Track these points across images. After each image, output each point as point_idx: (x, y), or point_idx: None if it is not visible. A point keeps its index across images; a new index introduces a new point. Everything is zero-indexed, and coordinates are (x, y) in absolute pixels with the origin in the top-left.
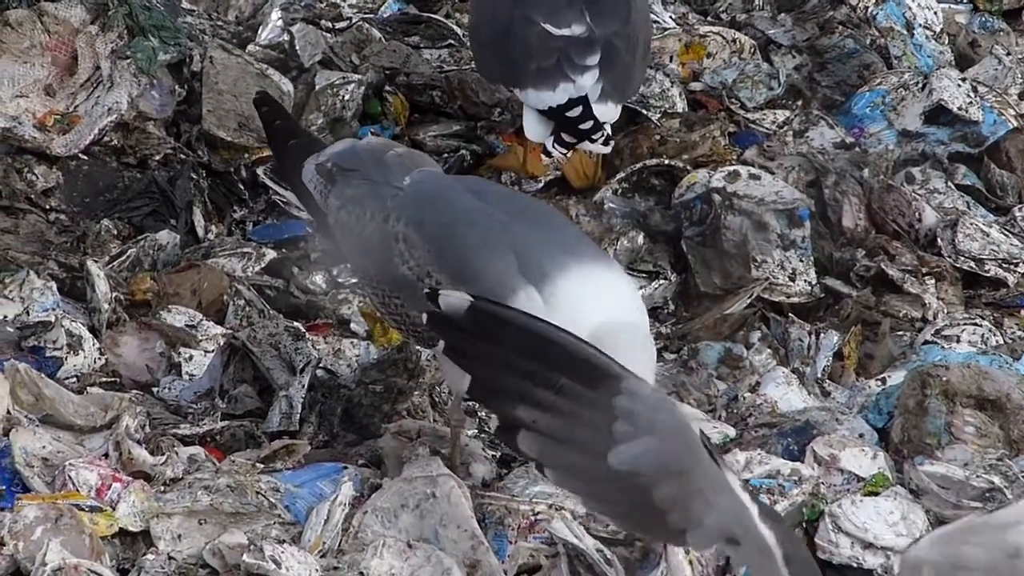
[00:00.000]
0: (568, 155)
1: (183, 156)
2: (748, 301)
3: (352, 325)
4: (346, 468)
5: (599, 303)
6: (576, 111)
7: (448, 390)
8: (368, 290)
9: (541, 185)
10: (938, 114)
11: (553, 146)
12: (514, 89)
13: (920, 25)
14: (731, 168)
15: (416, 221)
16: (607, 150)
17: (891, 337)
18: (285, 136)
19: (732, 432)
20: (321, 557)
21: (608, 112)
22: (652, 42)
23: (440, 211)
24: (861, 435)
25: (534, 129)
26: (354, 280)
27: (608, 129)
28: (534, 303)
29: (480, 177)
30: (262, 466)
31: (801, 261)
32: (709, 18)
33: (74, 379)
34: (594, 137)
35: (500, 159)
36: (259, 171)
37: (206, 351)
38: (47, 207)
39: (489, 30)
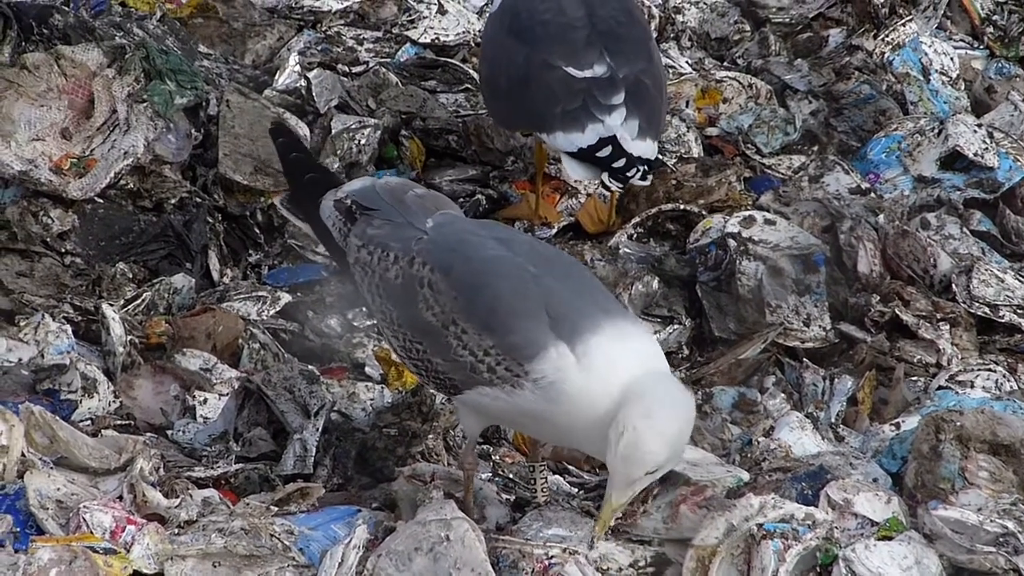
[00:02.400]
0: (612, 190)
1: (199, 200)
2: (763, 346)
3: (367, 369)
4: (360, 511)
5: (631, 359)
6: (606, 151)
7: (462, 434)
8: (388, 333)
9: (555, 231)
10: (954, 160)
11: (610, 180)
12: (540, 135)
13: (936, 71)
14: (746, 213)
15: (443, 267)
16: (647, 183)
17: (905, 382)
18: (302, 169)
19: (746, 476)
20: None
21: (647, 148)
22: (668, 87)
23: (469, 259)
24: (875, 480)
25: (579, 171)
26: (372, 321)
27: (647, 165)
28: (566, 360)
29: (500, 223)
30: (276, 509)
31: (816, 306)
32: (725, 63)
33: (89, 422)
34: (629, 175)
35: (511, 210)
36: (276, 200)
37: (220, 394)
38: (62, 250)
39: (506, 78)
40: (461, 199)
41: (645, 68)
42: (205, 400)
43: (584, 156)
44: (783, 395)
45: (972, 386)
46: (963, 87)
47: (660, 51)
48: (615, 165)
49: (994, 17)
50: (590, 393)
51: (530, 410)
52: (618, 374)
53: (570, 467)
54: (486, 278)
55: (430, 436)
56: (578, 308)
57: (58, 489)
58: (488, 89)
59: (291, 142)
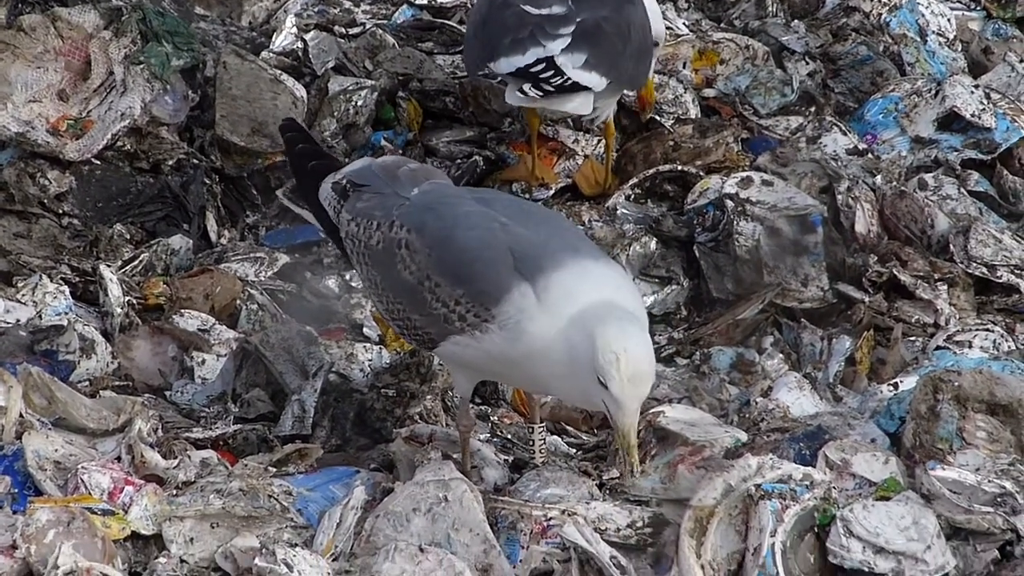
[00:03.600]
0: (539, 97)
1: (196, 161)
2: (760, 306)
3: (365, 329)
4: (358, 472)
5: (591, 290)
6: (540, 67)
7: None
8: (374, 298)
9: (552, 192)
10: (951, 121)
11: (531, 89)
12: (489, 65)
13: (933, 32)
14: (744, 174)
15: (418, 227)
16: (586, 112)
17: (903, 342)
18: (307, 158)
19: (744, 437)
20: (333, 561)
21: (591, 79)
22: (666, 49)
23: (442, 216)
24: (873, 440)
25: (510, 96)
26: (364, 290)
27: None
28: (527, 300)
29: (489, 188)
30: (274, 470)
31: (813, 267)
32: (723, 25)
33: (87, 383)
34: (554, 82)
35: (509, 171)
36: (278, 193)
37: (219, 355)
38: (60, 212)
39: (472, 24)
40: (458, 160)
41: (609, 16)
42: (203, 361)
43: (521, 74)
44: (781, 355)
45: (970, 346)
46: (960, 48)
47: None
48: (552, 80)
49: None
50: (550, 328)
51: (499, 354)
52: (575, 300)
53: (568, 427)
54: (455, 231)
55: (428, 397)
56: (543, 249)
57: (56, 450)
58: (464, 41)
59: (300, 136)
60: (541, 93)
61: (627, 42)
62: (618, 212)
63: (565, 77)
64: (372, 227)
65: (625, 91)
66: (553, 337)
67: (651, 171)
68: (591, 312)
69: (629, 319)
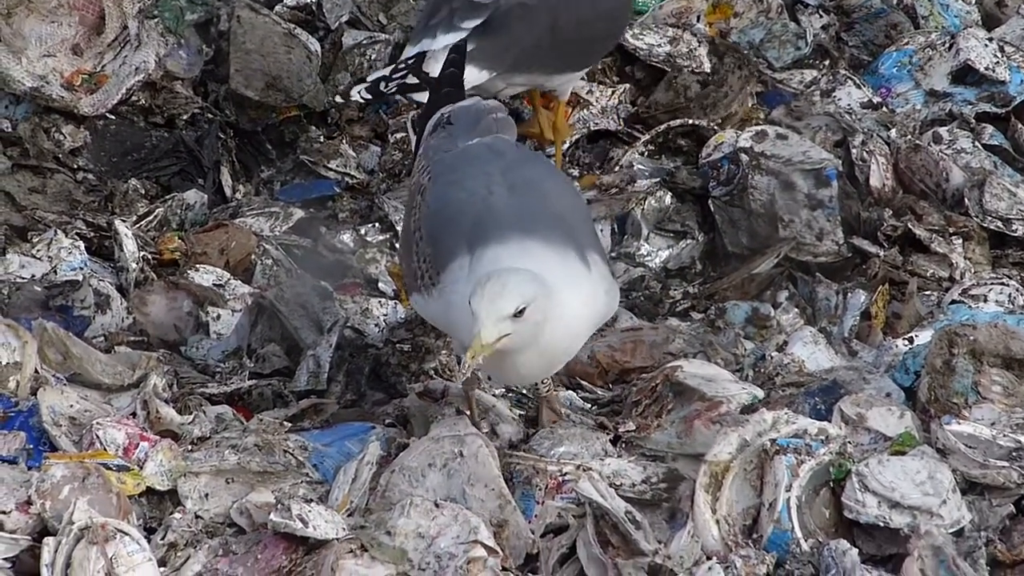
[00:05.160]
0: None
1: (211, 116)
2: (775, 261)
3: (380, 284)
4: (374, 427)
5: (510, 261)
6: (402, 65)
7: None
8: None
9: (567, 145)
10: (965, 74)
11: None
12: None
13: None
14: (758, 128)
15: (433, 179)
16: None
17: (918, 297)
18: (444, 85)
19: (761, 394)
20: (348, 516)
21: (471, 75)
22: (679, 2)
23: (451, 172)
24: (888, 394)
25: (354, 94)
26: (384, 236)
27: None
28: (462, 271)
29: (528, 149)
30: (290, 425)
31: (828, 221)
32: None
33: (102, 338)
34: (391, 85)
35: (523, 127)
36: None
37: (234, 310)
38: (75, 167)
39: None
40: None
41: (525, 1)
42: (218, 316)
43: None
44: (796, 310)
45: (985, 300)
46: (974, 1)
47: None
48: (401, 80)
49: None
50: (459, 306)
51: (440, 317)
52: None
53: (583, 382)
54: (448, 191)
55: (443, 352)
56: (502, 222)
57: (71, 406)
58: None
59: (460, 69)
60: (370, 96)
61: (536, 26)
62: (634, 167)
63: (404, 75)
64: (420, 167)
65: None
66: (465, 316)
67: (663, 127)
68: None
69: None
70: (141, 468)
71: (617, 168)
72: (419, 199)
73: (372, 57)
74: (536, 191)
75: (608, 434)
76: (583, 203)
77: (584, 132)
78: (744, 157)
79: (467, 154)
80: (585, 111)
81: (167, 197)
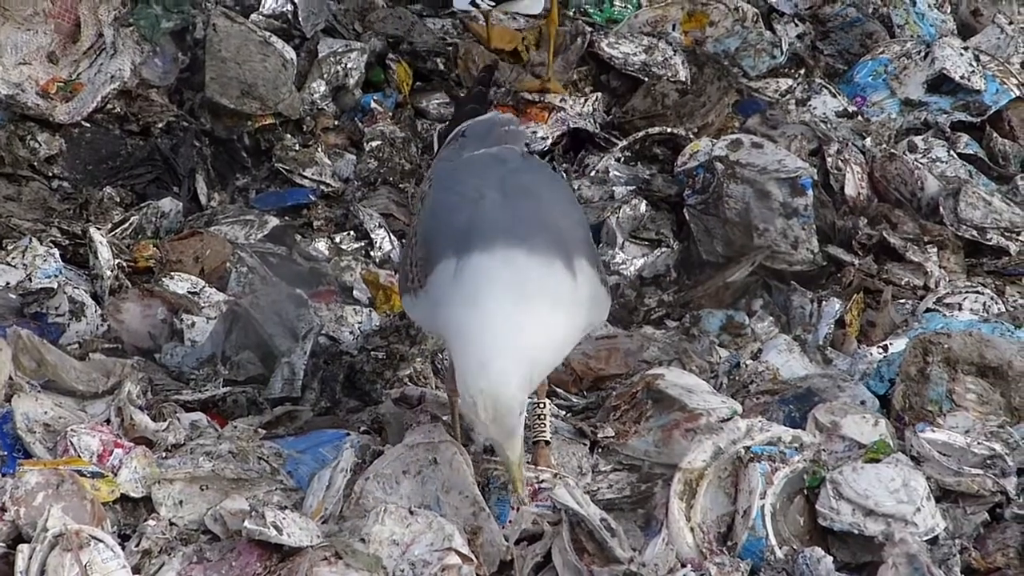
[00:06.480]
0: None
1: (186, 124)
2: (750, 269)
3: (355, 292)
4: (348, 434)
5: (497, 284)
6: None
7: (448, 358)
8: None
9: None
10: (940, 83)
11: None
12: None
13: None
14: (733, 136)
15: (435, 186)
16: (537, 10)
17: (893, 305)
18: (470, 101)
19: (739, 408)
20: (323, 523)
21: None
22: (655, 11)
23: (451, 179)
24: (863, 402)
25: (459, 2)
26: (359, 244)
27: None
28: (446, 275)
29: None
30: (264, 432)
31: (803, 229)
32: None
33: (76, 345)
34: None
35: (522, 83)
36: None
37: (208, 318)
38: (50, 174)
39: None
40: (447, 123)
41: None
42: (193, 323)
43: None
44: (771, 318)
45: (960, 308)
46: (949, 10)
47: None
48: None
49: None
50: (452, 308)
51: (425, 321)
52: (472, 298)
53: (558, 389)
54: (444, 195)
55: (418, 359)
56: (489, 231)
57: (45, 412)
58: None
59: (489, 82)
60: (494, 3)
61: None
62: (610, 174)
63: None
64: (427, 176)
65: None
66: (450, 319)
67: (640, 134)
68: (468, 321)
69: (503, 336)
70: (115, 475)
71: (593, 173)
72: (419, 205)
73: (348, 65)
74: (530, 197)
75: (585, 443)
76: (578, 210)
77: (564, 129)
78: (719, 166)
79: (470, 162)
80: (562, 112)
81: (142, 205)
